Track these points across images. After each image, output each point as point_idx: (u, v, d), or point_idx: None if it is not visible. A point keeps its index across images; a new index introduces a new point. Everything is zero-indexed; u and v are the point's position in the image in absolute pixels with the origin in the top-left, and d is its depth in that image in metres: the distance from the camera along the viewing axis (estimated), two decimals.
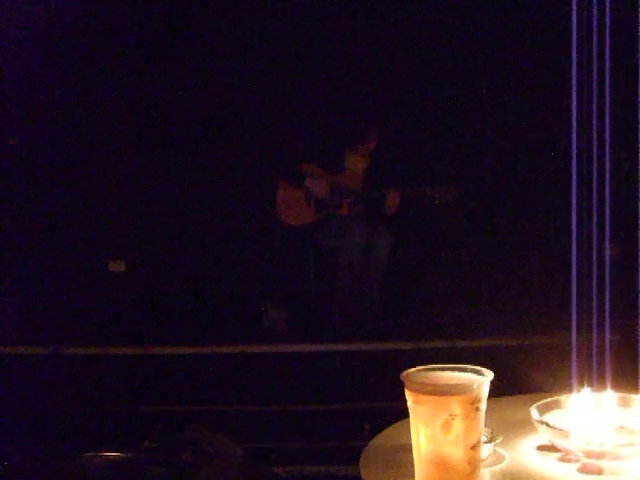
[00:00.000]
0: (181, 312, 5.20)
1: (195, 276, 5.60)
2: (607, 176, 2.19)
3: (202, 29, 5.66)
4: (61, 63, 5.49)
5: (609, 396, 1.72)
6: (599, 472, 1.51)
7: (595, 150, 2.23)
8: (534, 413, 1.65)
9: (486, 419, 1.42)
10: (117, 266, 5.73)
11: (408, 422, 1.43)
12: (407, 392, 1.42)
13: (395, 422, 1.72)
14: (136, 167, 5.70)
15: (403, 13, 5.59)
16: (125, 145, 5.70)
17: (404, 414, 1.46)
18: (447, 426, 1.37)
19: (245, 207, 5.60)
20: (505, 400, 1.88)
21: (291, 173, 5.24)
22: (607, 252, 2.28)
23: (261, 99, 5.65)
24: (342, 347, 4.67)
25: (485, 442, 1.53)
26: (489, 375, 1.42)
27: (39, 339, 4.72)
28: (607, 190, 2.20)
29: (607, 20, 2.06)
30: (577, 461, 1.55)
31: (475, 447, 1.40)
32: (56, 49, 5.42)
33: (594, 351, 2.03)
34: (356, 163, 5.32)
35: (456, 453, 1.38)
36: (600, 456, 1.53)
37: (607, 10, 2.02)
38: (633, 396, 1.72)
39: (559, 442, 1.59)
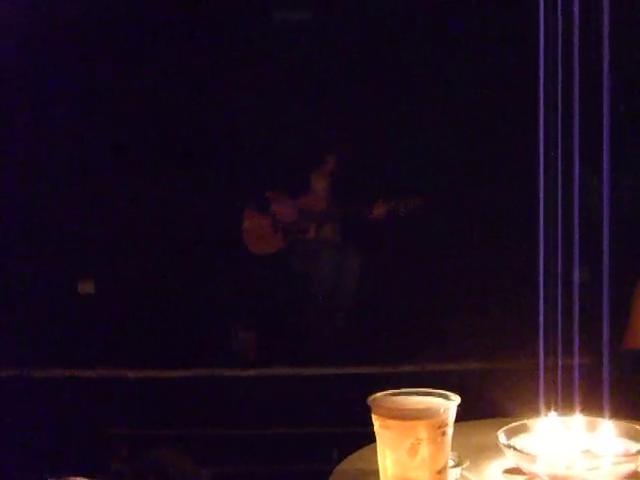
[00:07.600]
0: (149, 335, 5.16)
1: (163, 299, 5.56)
2: (575, 197, 2.20)
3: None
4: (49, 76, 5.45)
5: (575, 420, 1.73)
6: None
7: (561, 170, 2.25)
8: (501, 437, 1.65)
9: (453, 443, 1.42)
10: (86, 287, 5.69)
11: (375, 446, 1.43)
12: (374, 416, 1.42)
13: (364, 446, 1.71)
14: (107, 186, 5.67)
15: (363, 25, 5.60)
16: (96, 164, 5.67)
17: (373, 438, 1.46)
18: (413, 450, 1.37)
19: (215, 230, 5.58)
20: (472, 424, 1.88)
21: (256, 201, 5.23)
22: (575, 275, 2.29)
23: (227, 124, 5.65)
24: (311, 371, 4.66)
25: (452, 466, 1.52)
26: (456, 399, 1.42)
27: (3, 361, 4.67)
28: (575, 212, 2.21)
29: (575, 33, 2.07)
30: None
31: (442, 471, 1.40)
32: (56, 56, 5.38)
33: (560, 375, 2.03)
34: (320, 184, 5.32)
35: (423, 477, 1.38)
36: None
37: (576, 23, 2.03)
38: (599, 420, 1.73)
39: (525, 466, 1.59)
